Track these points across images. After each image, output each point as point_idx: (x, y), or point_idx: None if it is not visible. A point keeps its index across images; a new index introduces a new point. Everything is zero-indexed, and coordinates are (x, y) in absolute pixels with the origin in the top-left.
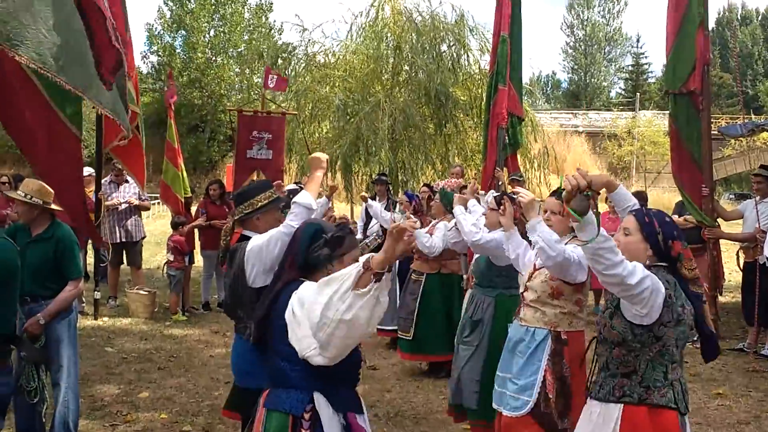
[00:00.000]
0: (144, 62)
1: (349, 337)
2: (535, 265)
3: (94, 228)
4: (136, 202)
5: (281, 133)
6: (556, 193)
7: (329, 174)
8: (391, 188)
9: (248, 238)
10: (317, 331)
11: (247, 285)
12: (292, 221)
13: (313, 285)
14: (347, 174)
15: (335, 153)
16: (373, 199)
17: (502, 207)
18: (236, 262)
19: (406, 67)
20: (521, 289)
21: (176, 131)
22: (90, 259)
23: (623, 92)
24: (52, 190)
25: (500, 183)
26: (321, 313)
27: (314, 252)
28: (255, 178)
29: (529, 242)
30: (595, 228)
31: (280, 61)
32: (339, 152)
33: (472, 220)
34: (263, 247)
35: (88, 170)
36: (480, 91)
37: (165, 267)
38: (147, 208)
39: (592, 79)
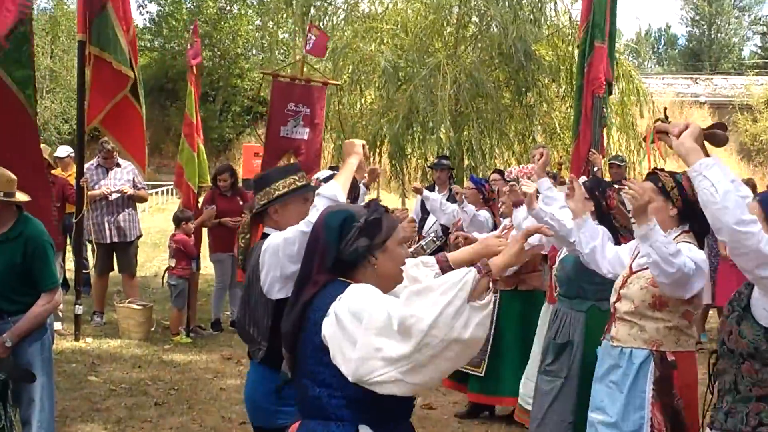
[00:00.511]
0: (141, 13)
1: (458, 361)
2: (630, 267)
3: (51, 222)
4: (130, 191)
5: (321, 108)
6: (654, 176)
7: (374, 158)
8: (454, 176)
9: (267, 236)
10: (414, 352)
11: (261, 295)
12: (314, 218)
13: (369, 291)
14: (397, 157)
15: (382, 131)
16: (431, 189)
17: (568, 187)
18: (250, 266)
19: (475, 18)
20: (612, 298)
21: (197, 101)
22: (69, 263)
23: (759, 51)
24: (14, 177)
25: (596, 169)
26: (426, 331)
27: (348, 246)
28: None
29: (614, 233)
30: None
31: (312, 10)
32: (387, 130)
33: (560, 211)
34: (279, 248)
35: (65, 150)
36: (570, 48)
37: (165, 275)
38: (144, 199)
39: (719, 34)
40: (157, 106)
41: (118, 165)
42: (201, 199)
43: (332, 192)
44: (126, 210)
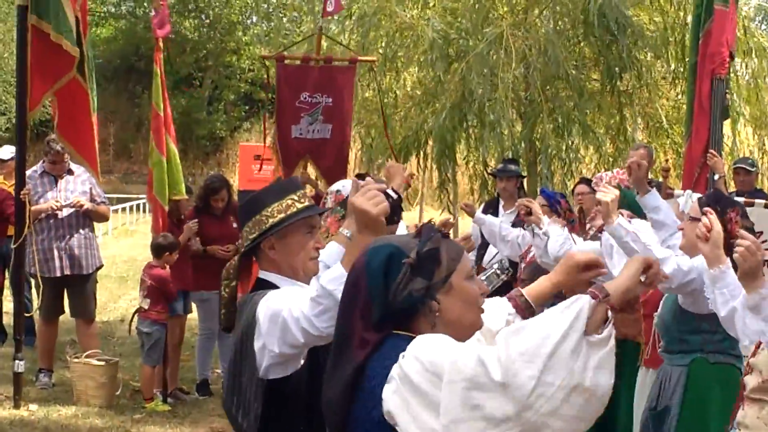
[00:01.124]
0: None
1: (581, 419)
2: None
3: None
4: (88, 206)
5: (349, 95)
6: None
7: (415, 162)
8: (524, 186)
9: (264, 283)
10: (523, 409)
11: (254, 371)
12: (319, 322)
13: (442, 338)
14: (446, 161)
15: (426, 125)
16: (494, 206)
17: (703, 224)
18: (241, 329)
19: None
20: (744, 370)
21: (164, 87)
22: (7, 305)
23: None
24: None
25: (717, 176)
26: (537, 377)
27: (400, 291)
28: (301, 171)
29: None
30: None
31: None
32: (432, 124)
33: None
34: (278, 325)
35: (9, 151)
36: (682, 15)
37: (135, 320)
38: (105, 217)
39: None
40: (125, 94)
41: (70, 172)
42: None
43: (333, 284)
44: (81, 232)
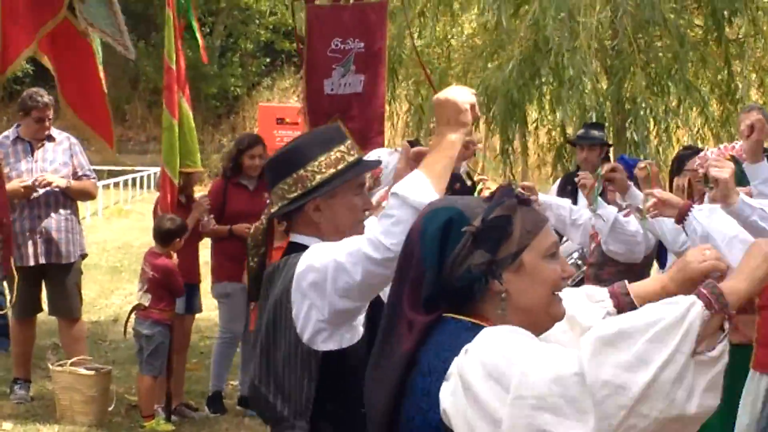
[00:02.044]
0: None
1: None
2: None
3: None
4: (64, 184)
5: (381, 38)
6: None
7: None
8: (610, 154)
9: (300, 248)
10: None
11: (295, 346)
12: (387, 238)
13: (515, 336)
14: (514, 125)
15: (488, 82)
16: (572, 179)
17: None
18: (271, 301)
19: None
20: None
21: (178, 34)
22: None
23: None
24: None
25: None
26: (631, 407)
27: (457, 266)
28: None
29: None
30: None
31: None
32: (496, 80)
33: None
34: (327, 273)
35: None
36: None
37: (132, 319)
38: (89, 194)
39: None
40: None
41: (50, 138)
42: (200, 192)
43: (415, 195)
44: (61, 212)
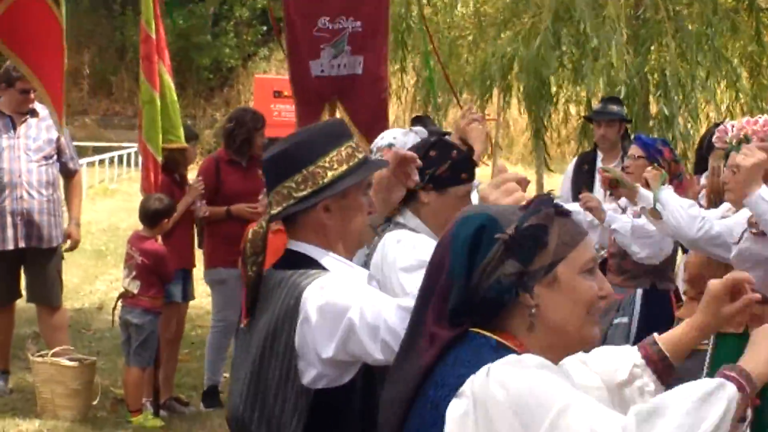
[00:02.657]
0: None
1: None
2: None
3: None
4: (76, 229)
5: (381, 15)
6: None
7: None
8: (630, 134)
9: (301, 258)
10: None
11: (288, 380)
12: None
13: (550, 379)
14: (537, 101)
15: (505, 54)
16: (590, 158)
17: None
18: (273, 318)
19: None
20: None
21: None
22: None
23: None
24: None
25: None
26: None
27: (487, 276)
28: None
29: None
30: None
31: None
32: (514, 52)
33: None
34: (346, 327)
35: None
36: None
37: (119, 307)
38: (69, 171)
39: None
40: (103, 11)
41: (33, 113)
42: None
43: None
44: (43, 194)
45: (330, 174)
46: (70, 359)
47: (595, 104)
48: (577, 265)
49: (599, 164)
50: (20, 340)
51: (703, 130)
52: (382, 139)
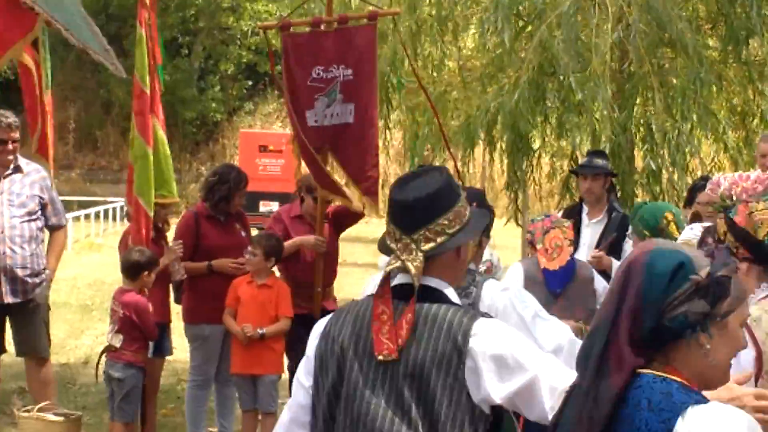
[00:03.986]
0: None
1: None
2: None
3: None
4: (50, 276)
5: (370, 63)
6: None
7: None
8: (616, 187)
9: (434, 293)
10: None
11: (469, 401)
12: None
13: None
14: (519, 154)
15: (489, 107)
16: (576, 211)
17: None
18: (434, 353)
19: None
20: None
21: (154, 56)
22: None
23: None
24: None
25: None
26: None
27: (675, 307)
28: (326, 166)
29: None
30: None
31: None
32: (498, 104)
33: None
34: (535, 375)
35: None
36: None
37: (103, 361)
38: (53, 227)
39: None
40: (89, 66)
41: (18, 170)
42: (173, 228)
43: None
44: (26, 249)
45: (467, 212)
46: (56, 414)
47: (580, 158)
48: (741, 318)
49: (584, 218)
50: (6, 396)
51: (686, 185)
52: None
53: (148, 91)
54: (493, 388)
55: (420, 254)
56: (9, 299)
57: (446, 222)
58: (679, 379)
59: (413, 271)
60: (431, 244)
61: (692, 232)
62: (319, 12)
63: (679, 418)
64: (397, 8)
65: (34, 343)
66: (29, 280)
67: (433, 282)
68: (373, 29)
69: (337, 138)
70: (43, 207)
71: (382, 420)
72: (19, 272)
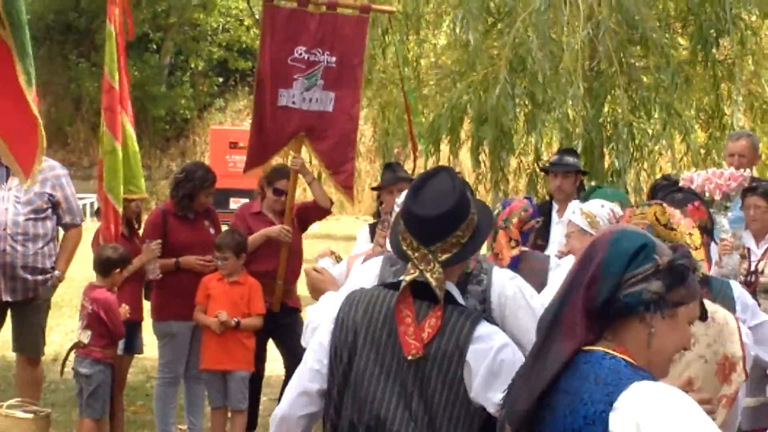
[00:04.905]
0: None
1: None
2: None
3: None
4: (59, 276)
5: (358, 55)
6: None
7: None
8: (585, 184)
9: (452, 298)
10: None
11: (465, 403)
12: None
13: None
14: (491, 150)
15: (461, 102)
16: (545, 208)
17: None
18: (447, 350)
19: None
20: None
21: (121, 51)
22: None
23: None
24: None
25: None
26: None
27: (634, 284)
28: (292, 155)
29: None
30: None
31: None
32: (470, 101)
33: None
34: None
35: None
36: None
37: (72, 357)
38: (66, 225)
39: None
40: (59, 61)
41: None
42: (143, 223)
43: None
44: (27, 247)
45: (476, 217)
46: (25, 411)
47: (549, 156)
48: (690, 315)
49: (554, 216)
50: None
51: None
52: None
53: (117, 87)
54: (483, 391)
55: (438, 265)
56: (7, 297)
57: (461, 233)
58: (627, 358)
59: (434, 283)
60: (447, 255)
61: (603, 210)
62: None
63: (624, 392)
64: (392, 6)
65: (29, 342)
66: (30, 278)
67: (451, 287)
68: (365, 22)
69: (314, 125)
70: (54, 205)
71: (387, 407)
72: (20, 271)
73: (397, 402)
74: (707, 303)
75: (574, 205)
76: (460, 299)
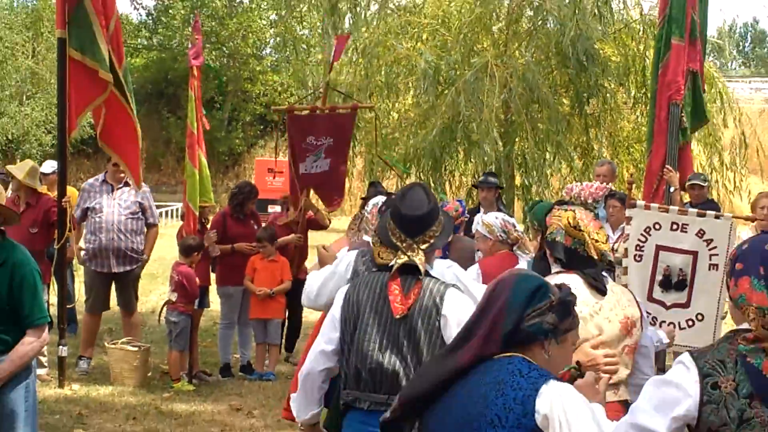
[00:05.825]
0: (134, 7)
1: None
2: None
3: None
4: (142, 263)
5: (346, 136)
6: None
7: (413, 171)
8: (503, 196)
9: (430, 274)
10: None
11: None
12: None
13: (592, 411)
14: (437, 175)
15: (420, 143)
16: (475, 213)
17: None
18: (425, 310)
19: (529, 12)
20: None
21: (199, 108)
22: (51, 296)
23: None
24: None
25: (673, 189)
26: None
27: (534, 317)
28: (304, 196)
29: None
30: None
31: (341, 4)
32: (426, 141)
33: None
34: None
35: (50, 165)
36: (642, 48)
37: (164, 310)
38: (149, 224)
39: None
40: (155, 116)
41: (126, 184)
42: (210, 221)
43: None
44: (128, 237)
45: (443, 219)
46: (133, 345)
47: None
48: (574, 340)
49: (481, 215)
50: (100, 335)
51: (549, 195)
52: (374, 201)
53: (195, 132)
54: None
55: (420, 252)
56: (117, 269)
57: (435, 229)
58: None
59: (420, 265)
60: (426, 245)
61: (497, 221)
62: (312, 83)
63: (545, 384)
64: (371, 102)
65: (127, 300)
66: (130, 256)
67: (427, 267)
68: (354, 116)
69: (317, 181)
70: (142, 210)
71: (383, 354)
72: (124, 252)
73: (392, 350)
74: (609, 280)
75: (478, 217)
76: (435, 274)
